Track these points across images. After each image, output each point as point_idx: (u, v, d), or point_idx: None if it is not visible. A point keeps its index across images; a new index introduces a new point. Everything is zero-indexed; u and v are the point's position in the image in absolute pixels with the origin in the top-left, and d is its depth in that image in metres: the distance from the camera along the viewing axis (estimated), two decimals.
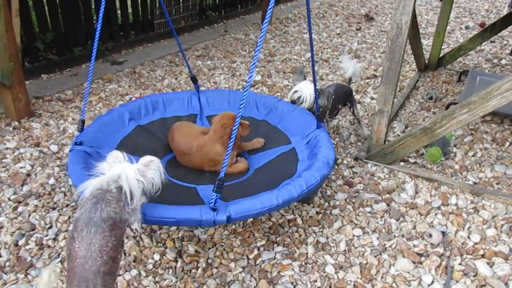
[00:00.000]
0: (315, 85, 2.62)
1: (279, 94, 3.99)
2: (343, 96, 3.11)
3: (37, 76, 4.08)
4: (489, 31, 4.46)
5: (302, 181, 2.07)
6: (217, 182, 1.82)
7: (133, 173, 1.51)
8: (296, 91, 2.92)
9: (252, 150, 2.75)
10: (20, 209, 2.34)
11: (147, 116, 2.88)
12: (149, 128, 2.81)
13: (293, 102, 2.94)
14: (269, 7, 1.73)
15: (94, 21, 4.72)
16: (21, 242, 2.12)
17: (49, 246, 2.11)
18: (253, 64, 1.76)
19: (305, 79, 3.02)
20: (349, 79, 3.35)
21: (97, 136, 2.45)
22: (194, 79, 3.10)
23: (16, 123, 3.21)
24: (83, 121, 2.30)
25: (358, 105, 3.80)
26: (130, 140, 2.63)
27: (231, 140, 1.81)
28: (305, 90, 2.87)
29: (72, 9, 4.34)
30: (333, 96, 2.95)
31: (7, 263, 1.99)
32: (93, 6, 4.70)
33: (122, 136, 2.62)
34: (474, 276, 2.03)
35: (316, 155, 2.36)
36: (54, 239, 2.14)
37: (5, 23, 2.92)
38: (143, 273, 1.98)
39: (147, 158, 1.61)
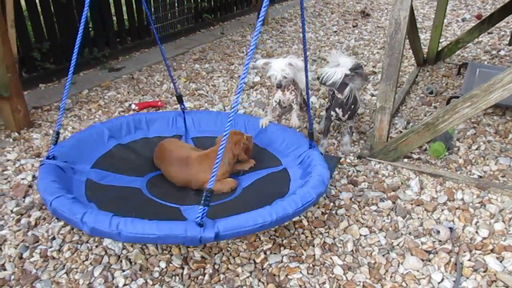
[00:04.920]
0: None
1: None
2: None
3: (35, 86, 4.06)
4: (487, 22, 4.45)
5: (297, 197, 2.00)
6: (204, 194, 1.65)
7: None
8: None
9: (240, 171, 2.62)
10: (23, 221, 2.32)
11: (128, 135, 2.80)
12: (130, 147, 2.72)
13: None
14: (264, 6, 1.65)
15: (90, 29, 4.70)
16: (25, 255, 2.09)
17: (53, 258, 2.08)
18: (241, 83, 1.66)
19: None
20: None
21: (73, 151, 2.39)
22: (179, 99, 2.98)
23: (16, 134, 3.19)
24: (57, 133, 2.21)
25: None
26: (110, 157, 2.56)
27: (220, 150, 1.67)
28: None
29: (68, 18, 4.33)
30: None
31: (12, 277, 1.97)
32: (88, 14, 4.67)
33: (101, 153, 2.55)
34: (484, 271, 2.01)
35: (310, 173, 2.27)
36: (59, 251, 2.12)
37: (1, 34, 2.90)
38: (150, 282, 1.95)
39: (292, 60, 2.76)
